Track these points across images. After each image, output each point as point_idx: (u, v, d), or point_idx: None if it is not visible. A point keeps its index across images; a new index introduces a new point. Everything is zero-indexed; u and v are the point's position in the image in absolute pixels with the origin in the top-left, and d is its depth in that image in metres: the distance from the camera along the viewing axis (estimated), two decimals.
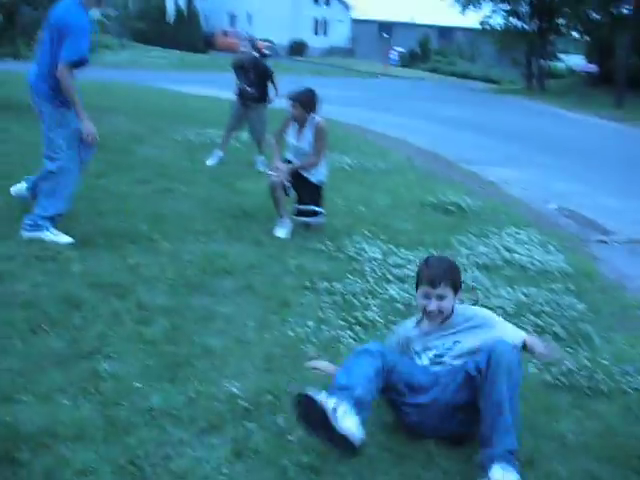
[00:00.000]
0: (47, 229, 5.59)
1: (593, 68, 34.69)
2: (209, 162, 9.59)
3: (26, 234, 5.56)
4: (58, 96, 5.49)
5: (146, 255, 5.46)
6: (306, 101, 6.60)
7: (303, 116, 6.59)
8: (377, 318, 4.66)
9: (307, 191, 6.72)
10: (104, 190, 7.32)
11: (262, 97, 9.76)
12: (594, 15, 44.15)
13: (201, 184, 8.06)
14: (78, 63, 5.47)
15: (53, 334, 4.01)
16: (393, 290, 5.15)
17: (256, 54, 10.16)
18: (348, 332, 4.41)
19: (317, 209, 6.74)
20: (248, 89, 9.62)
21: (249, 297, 4.89)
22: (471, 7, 43.95)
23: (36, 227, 5.57)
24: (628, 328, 5.10)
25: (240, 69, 9.75)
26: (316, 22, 67.07)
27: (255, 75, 9.69)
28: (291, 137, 6.72)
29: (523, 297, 5.30)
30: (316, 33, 66.10)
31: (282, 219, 6.52)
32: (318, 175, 6.75)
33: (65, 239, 5.58)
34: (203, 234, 6.10)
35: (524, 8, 43.71)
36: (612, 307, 5.48)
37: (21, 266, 5.00)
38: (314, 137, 6.56)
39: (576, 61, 45.69)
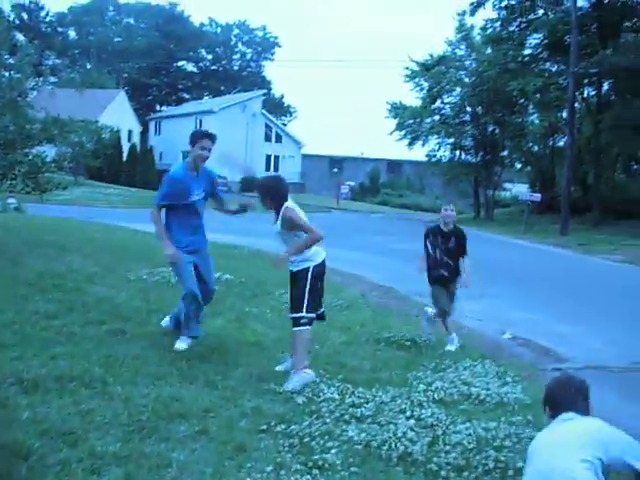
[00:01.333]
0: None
1: (537, 197, 35.92)
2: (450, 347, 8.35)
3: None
4: None
5: (99, 400, 5.33)
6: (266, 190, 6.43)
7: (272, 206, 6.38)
8: (336, 461, 4.57)
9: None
10: (57, 331, 7.20)
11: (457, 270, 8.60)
12: (535, 147, 46.37)
13: (155, 324, 7.96)
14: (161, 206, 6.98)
15: None
16: (352, 431, 5.07)
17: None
18: (307, 477, 4.32)
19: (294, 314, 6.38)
20: (445, 259, 8.52)
21: (204, 442, 4.77)
22: (418, 142, 45.43)
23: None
24: None
25: (436, 236, 8.66)
26: (268, 158, 68.69)
27: (456, 242, 8.61)
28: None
29: (483, 432, 5.25)
30: (268, 169, 67.60)
31: None
32: (297, 264, 6.38)
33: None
34: (157, 377, 5.99)
35: (468, 142, 45.39)
36: None
37: None
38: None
39: (521, 190, 47.26)
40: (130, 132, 64.98)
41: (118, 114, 60.33)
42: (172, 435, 4.82)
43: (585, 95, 39.76)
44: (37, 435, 4.58)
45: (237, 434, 4.93)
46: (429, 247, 8.57)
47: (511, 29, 39.11)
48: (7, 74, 13.45)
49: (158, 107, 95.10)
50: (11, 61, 13.65)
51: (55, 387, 5.49)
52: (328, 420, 5.31)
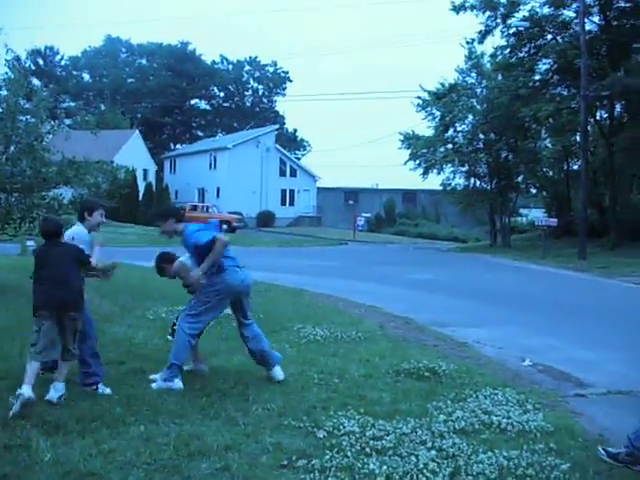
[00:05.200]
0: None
1: (553, 222, 35.78)
2: None
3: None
4: None
5: (120, 439, 5.36)
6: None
7: None
8: None
9: None
10: (77, 372, 7.25)
11: None
12: (549, 172, 46.29)
13: None
14: None
15: None
16: (373, 464, 5.05)
17: None
18: None
19: None
20: None
21: (226, 479, 4.77)
22: (432, 171, 45.41)
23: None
24: None
25: None
26: (283, 193, 68.82)
27: None
28: None
29: (505, 461, 5.21)
30: (283, 204, 67.71)
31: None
32: None
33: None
34: (177, 415, 6.01)
35: (482, 169, 45.32)
36: (598, 464, 5.38)
37: None
38: None
39: (537, 215, 47.11)
40: (145, 171, 65.42)
41: (133, 154, 60.82)
42: (193, 473, 4.83)
43: (597, 118, 39.76)
44: (59, 477, 4.62)
45: (258, 470, 4.92)
46: None
47: (521, 55, 39.16)
48: (24, 119, 13.62)
49: (172, 145, 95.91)
50: (27, 106, 13.84)
51: (76, 428, 5.54)
52: (349, 454, 5.28)
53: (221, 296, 7.28)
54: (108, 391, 6.70)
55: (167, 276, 7.84)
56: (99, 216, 7.40)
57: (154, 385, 6.97)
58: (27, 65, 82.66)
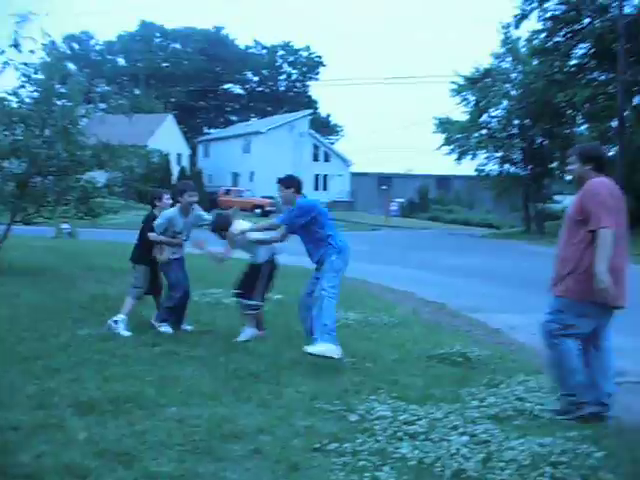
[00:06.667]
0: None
1: None
2: None
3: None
4: None
5: (153, 421, 5.39)
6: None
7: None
8: (389, 479, 4.53)
9: None
10: (111, 354, 7.34)
11: None
12: None
13: (206, 345, 8.06)
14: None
15: None
16: (405, 448, 5.02)
17: None
18: None
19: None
20: None
21: (258, 462, 4.76)
22: (466, 156, 45.17)
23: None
24: None
25: None
26: (316, 178, 68.69)
27: None
28: None
29: (538, 447, 5.13)
30: (316, 188, 67.53)
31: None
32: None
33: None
34: (210, 397, 6.04)
35: (517, 155, 44.98)
36: (632, 452, 5.28)
37: (25, 436, 4.95)
38: None
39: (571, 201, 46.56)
40: (179, 155, 65.74)
41: (167, 138, 61.15)
42: (226, 455, 4.84)
43: (634, 103, 39.10)
44: (94, 456, 4.65)
45: (290, 453, 4.92)
46: None
47: (557, 40, 38.69)
48: (59, 103, 13.71)
49: (206, 130, 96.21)
50: (62, 90, 13.93)
51: (110, 409, 5.59)
52: (381, 438, 5.26)
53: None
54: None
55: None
56: (187, 197, 8.85)
57: (310, 349, 7.30)
58: (62, 49, 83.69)
